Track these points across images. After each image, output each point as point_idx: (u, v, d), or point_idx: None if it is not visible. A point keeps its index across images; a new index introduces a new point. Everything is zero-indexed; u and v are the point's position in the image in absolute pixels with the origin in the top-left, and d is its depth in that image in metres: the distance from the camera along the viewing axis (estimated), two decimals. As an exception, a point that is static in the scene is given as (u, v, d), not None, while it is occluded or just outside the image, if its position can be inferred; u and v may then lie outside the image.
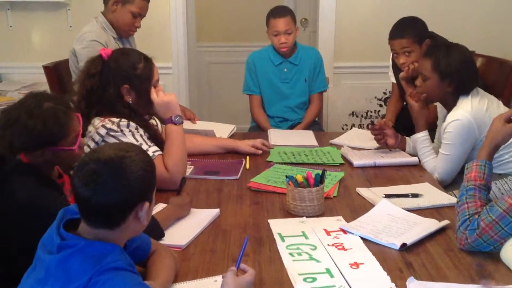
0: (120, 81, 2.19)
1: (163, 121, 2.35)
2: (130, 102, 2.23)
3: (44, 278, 1.25)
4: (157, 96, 2.24)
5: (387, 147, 2.71)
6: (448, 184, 2.48)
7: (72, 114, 1.76)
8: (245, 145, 2.70)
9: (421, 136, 2.58)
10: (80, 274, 1.22)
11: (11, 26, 4.00)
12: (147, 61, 2.26)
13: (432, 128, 2.70)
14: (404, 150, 2.73)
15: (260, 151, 2.69)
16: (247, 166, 2.54)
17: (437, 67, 2.44)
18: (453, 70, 2.42)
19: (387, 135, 2.71)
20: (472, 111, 2.40)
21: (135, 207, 1.32)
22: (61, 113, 1.71)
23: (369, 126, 2.78)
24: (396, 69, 3.10)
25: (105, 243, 1.29)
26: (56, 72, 3.21)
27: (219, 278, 1.53)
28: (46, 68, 3.19)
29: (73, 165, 1.47)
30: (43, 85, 3.59)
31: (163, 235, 1.80)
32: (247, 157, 2.61)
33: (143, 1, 3.13)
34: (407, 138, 2.73)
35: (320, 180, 2.05)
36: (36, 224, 1.45)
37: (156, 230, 1.77)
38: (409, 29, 2.88)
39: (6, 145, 1.66)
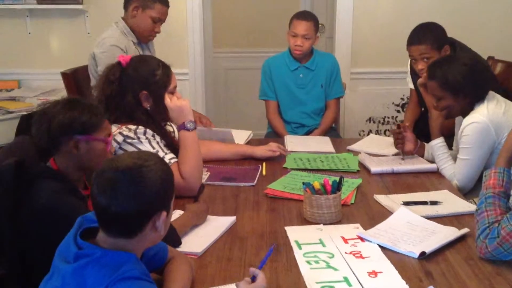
0: (138, 87, 2.20)
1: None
2: (148, 108, 2.23)
3: (61, 287, 1.25)
4: (170, 101, 2.24)
5: (405, 153, 2.68)
6: (467, 192, 2.45)
7: (104, 116, 1.85)
8: (261, 150, 2.70)
9: (438, 143, 2.56)
10: (96, 284, 1.21)
11: (30, 33, 4.04)
12: (165, 68, 2.27)
13: (449, 135, 2.67)
14: (422, 156, 2.70)
15: (278, 153, 2.68)
16: (264, 172, 2.53)
17: (445, 86, 2.42)
18: (461, 83, 2.39)
19: (407, 139, 2.69)
20: (488, 114, 2.37)
21: (153, 216, 1.31)
22: (95, 108, 1.81)
23: (391, 129, 2.75)
24: (414, 75, 3.08)
25: (121, 253, 1.28)
26: (74, 78, 3.24)
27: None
28: (64, 75, 3.22)
29: None
30: (61, 91, 3.63)
31: (180, 242, 1.79)
32: (264, 164, 2.61)
33: (163, 6, 3.15)
34: (426, 144, 2.70)
35: (337, 187, 2.03)
36: (53, 230, 1.46)
37: (173, 237, 1.76)
38: (427, 35, 2.86)
39: (43, 130, 1.73)
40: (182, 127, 2.25)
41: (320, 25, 3.49)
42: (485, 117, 2.37)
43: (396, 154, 2.75)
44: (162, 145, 2.23)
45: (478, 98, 2.43)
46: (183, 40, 4.09)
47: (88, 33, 4.01)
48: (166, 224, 1.38)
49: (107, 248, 1.29)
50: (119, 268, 1.24)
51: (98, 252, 1.27)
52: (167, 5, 3.19)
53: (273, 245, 1.61)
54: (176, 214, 1.98)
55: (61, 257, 1.30)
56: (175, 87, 2.30)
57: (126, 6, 3.18)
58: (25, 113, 3.31)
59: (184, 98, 2.33)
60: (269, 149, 2.69)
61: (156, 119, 2.27)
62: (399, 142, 2.69)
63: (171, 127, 2.48)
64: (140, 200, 1.27)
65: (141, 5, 3.11)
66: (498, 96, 2.50)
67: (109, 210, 1.27)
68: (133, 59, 2.25)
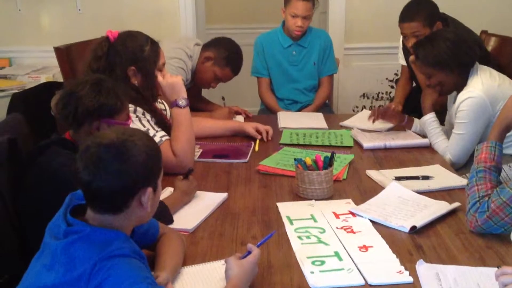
0: (126, 62, 2.19)
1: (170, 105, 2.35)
2: (137, 84, 2.22)
3: (50, 264, 1.25)
4: (162, 78, 2.23)
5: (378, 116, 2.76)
6: (460, 167, 2.45)
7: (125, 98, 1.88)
8: (251, 127, 2.70)
9: (429, 118, 2.57)
10: (85, 260, 1.21)
11: (20, 10, 3.98)
12: (154, 44, 2.25)
13: (440, 111, 2.67)
14: (410, 129, 2.74)
15: (260, 137, 2.66)
16: (256, 148, 2.52)
17: (431, 63, 2.43)
18: (445, 57, 2.40)
19: (390, 115, 2.75)
20: (483, 87, 2.38)
21: (138, 192, 1.30)
22: (119, 90, 1.83)
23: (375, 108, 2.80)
24: (406, 51, 3.06)
25: (110, 230, 1.28)
26: (68, 54, 3.20)
27: (227, 261, 1.52)
28: (58, 50, 3.16)
29: None
30: (53, 69, 3.61)
31: (172, 221, 1.80)
32: (257, 141, 2.60)
33: (231, 73, 3.13)
34: (416, 119, 2.71)
35: (329, 162, 2.03)
36: (60, 195, 1.44)
37: (165, 215, 1.77)
38: (419, 12, 2.84)
39: (70, 110, 1.76)
40: (174, 104, 2.24)
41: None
42: (480, 90, 2.37)
43: (389, 130, 2.76)
44: (152, 123, 2.22)
45: (466, 69, 2.43)
46: (176, 17, 4.04)
47: (79, 10, 3.96)
48: (154, 201, 1.37)
49: (95, 225, 1.29)
50: (109, 245, 1.23)
51: (87, 229, 1.26)
52: (236, 73, 3.17)
53: (274, 231, 1.62)
54: (167, 191, 1.98)
55: (51, 234, 1.30)
56: (164, 64, 2.28)
57: (205, 47, 3.15)
58: (16, 91, 3.28)
59: (176, 75, 2.31)
60: (256, 128, 2.68)
61: (145, 95, 2.26)
62: (378, 117, 2.77)
63: (163, 105, 2.47)
64: (123, 175, 1.26)
65: (213, 59, 3.09)
66: (491, 69, 2.49)
67: (91, 185, 1.26)
68: (121, 35, 2.23)
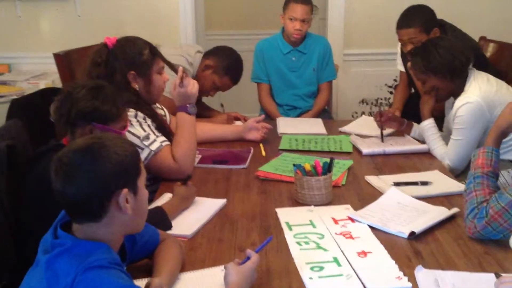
0: (126, 67, 2.19)
1: (173, 112, 2.35)
2: (138, 89, 2.23)
3: (39, 277, 1.23)
4: (190, 85, 2.24)
5: (384, 135, 2.72)
6: (459, 173, 2.45)
7: (124, 108, 1.86)
8: (253, 135, 2.70)
9: (427, 124, 2.58)
10: (66, 274, 1.18)
11: (19, 16, 4.00)
12: (152, 48, 2.26)
13: (439, 117, 2.68)
14: (409, 134, 2.74)
15: (261, 135, 2.67)
16: (263, 153, 2.54)
17: (423, 69, 2.45)
18: (437, 63, 2.41)
19: (391, 119, 2.75)
20: (480, 93, 2.39)
21: (113, 195, 1.26)
22: (119, 97, 1.83)
23: (376, 113, 2.79)
24: (404, 57, 3.07)
25: (92, 242, 1.25)
26: (67, 60, 3.20)
27: (226, 267, 1.52)
28: (57, 56, 3.17)
29: None
30: (53, 75, 3.60)
31: (171, 227, 1.79)
32: (261, 145, 2.61)
33: (230, 82, 3.18)
34: (415, 124, 2.71)
35: (328, 168, 2.04)
36: (58, 206, 1.43)
37: (164, 221, 1.77)
38: (416, 19, 2.85)
39: (64, 111, 1.76)
40: (183, 109, 2.25)
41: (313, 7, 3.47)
42: (478, 96, 2.38)
43: (388, 136, 2.76)
44: (153, 127, 2.22)
45: (460, 76, 2.44)
46: (175, 22, 4.05)
47: (79, 16, 3.97)
48: (138, 205, 1.32)
49: (81, 237, 1.27)
50: (88, 257, 1.20)
51: (69, 242, 1.24)
52: (235, 83, 3.21)
53: (271, 237, 1.62)
54: (166, 197, 1.98)
55: (42, 247, 1.28)
56: (163, 67, 2.29)
57: (206, 55, 3.16)
58: (15, 97, 3.28)
59: (194, 81, 2.29)
60: (254, 127, 2.69)
61: (146, 100, 2.27)
62: (380, 125, 2.74)
63: (162, 110, 2.47)
64: (93, 178, 1.23)
65: (213, 67, 3.11)
66: (489, 75, 2.50)
67: (65, 194, 1.24)
68: (119, 40, 2.24)
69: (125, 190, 1.27)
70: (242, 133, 2.72)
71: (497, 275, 1.38)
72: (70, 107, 1.76)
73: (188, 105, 2.25)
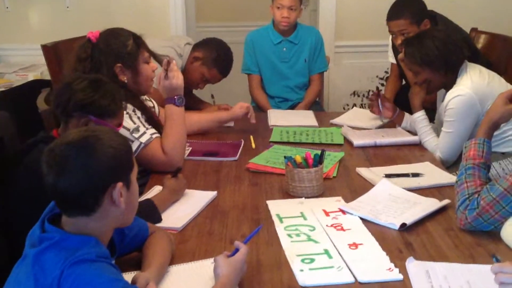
0: (111, 61, 2.17)
1: (161, 104, 2.33)
2: (126, 81, 2.20)
3: (26, 271, 1.21)
4: (175, 77, 2.21)
5: (382, 116, 2.72)
6: (450, 165, 2.45)
7: (122, 105, 1.86)
8: (238, 110, 2.70)
9: (419, 116, 2.57)
10: (54, 268, 1.17)
11: (7, 7, 3.95)
12: (137, 38, 2.24)
13: (430, 109, 2.67)
14: (400, 124, 2.73)
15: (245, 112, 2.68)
16: (253, 145, 2.52)
17: (418, 61, 2.44)
18: (434, 57, 2.40)
19: (385, 107, 2.73)
20: (472, 85, 2.38)
21: (107, 188, 1.25)
22: (118, 94, 1.82)
23: (372, 92, 2.79)
24: (395, 49, 3.07)
25: (81, 236, 1.23)
26: (55, 52, 3.17)
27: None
28: (45, 48, 3.14)
29: None
30: (41, 67, 3.57)
31: (160, 219, 1.78)
32: (251, 137, 2.59)
33: (219, 74, 3.16)
34: (407, 114, 2.71)
35: (319, 160, 2.03)
36: (47, 197, 1.41)
37: (154, 214, 1.76)
38: (406, 10, 2.84)
39: (62, 100, 1.76)
40: (171, 101, 2.23)
41: (303, -2, 3.45)
42: (470, 88, 2.37)
43: (379, 127, 2.76)
44: (143, 120, 2.20)
45: (454, 69, 2.43)
46: (165, 13, 4.02)
47: (67, 7, 3.93)
48: (130, 199, 1.31)
49: (70, 231, 1.25)
50: (76, 251, 1.19)
51: (57, 236, 1.22)
52: (224, 75, 3.19)
53: (261, 225, 1.61)
54: (156, 190, 1.97)
55: (29, 241, 1.26)
56: (149, 56, 2.27)
57: (195, 47, 3.15)
58: (3, 89, 3.25)
59: (177, 75, 2.25)
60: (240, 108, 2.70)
61: (135, 92, 2.24)
62: (374, 104, 2.72)
63: (151, 102, 2.45)
64: (88, 172, 1.21)
65: (202, 59, 3.10)
66: (481, 67, 2.49)
67: (58, 187, 1.22)
68: (103, 33, 2.21)
69: (120, 184, 1.26)
70: (229, 115, 2.72)
71: (497, 259, 1.34)
72: (69, 97, 1.75)
73: (176, 97, 2.22)
